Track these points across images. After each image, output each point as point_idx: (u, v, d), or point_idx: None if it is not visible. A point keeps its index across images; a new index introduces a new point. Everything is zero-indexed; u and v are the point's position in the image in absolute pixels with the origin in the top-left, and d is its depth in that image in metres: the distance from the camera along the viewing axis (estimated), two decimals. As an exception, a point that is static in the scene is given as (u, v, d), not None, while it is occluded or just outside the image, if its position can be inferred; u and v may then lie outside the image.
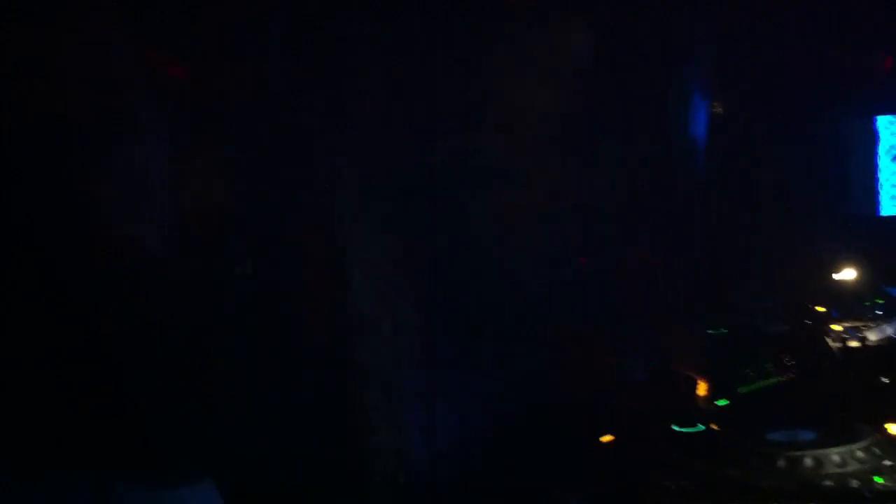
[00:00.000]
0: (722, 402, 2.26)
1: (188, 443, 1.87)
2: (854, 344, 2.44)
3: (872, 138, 3.78)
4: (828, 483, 1.81)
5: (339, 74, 2.18)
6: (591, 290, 2.60)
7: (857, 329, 2.55)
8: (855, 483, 1.79)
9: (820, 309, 2.78)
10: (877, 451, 1.90)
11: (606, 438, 2.23)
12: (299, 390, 2.14)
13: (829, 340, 2.46)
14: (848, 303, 2.88)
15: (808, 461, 1.87)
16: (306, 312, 2.18)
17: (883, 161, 3.79)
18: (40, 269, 1.68)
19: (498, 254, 2.46)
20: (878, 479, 1.79)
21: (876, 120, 3.75)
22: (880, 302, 2.85)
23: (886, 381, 2.28)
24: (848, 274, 3.08)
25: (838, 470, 1.85)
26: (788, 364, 2.41)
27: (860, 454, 1.88)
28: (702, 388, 2.29)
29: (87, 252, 1.73)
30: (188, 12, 1.95)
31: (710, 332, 2.63)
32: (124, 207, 1.81)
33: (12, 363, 1.61)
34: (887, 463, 1.84)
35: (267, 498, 2.04)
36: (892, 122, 3.76)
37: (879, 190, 3.76)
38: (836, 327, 2.60)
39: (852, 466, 1.86)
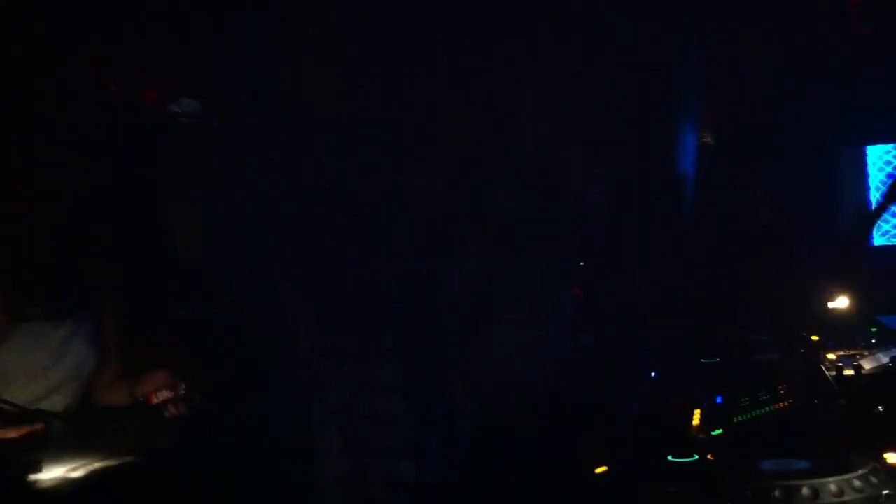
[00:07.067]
0: (717, 432, 2.23)
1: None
2: (849, 373, 2.42)
3: (863, 169, 3.80)
4: (825, 513, 1.78)
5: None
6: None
7: (851, 358, 2.54)
8: (853, 513, 1.76)
9: (815, 338, 2.76)
10: (874, 480, 1.87)
11: (601, 469, 2.20)
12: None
13: (824, 369, 2.44)
14: (842, 332, 2.86)
15: (805, 491, 1.84)
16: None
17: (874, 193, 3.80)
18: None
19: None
20: (877, 509, 1.76)
21: (866, 150, 3.78)
22: (874, 331, 2.84)
23: (882, 409, 2.25)
24: (842, 303, 3.07)
25: (835, 500, 1.81)
26: (783, 393, 2.39)
27: (858, 483, 1.85)
28: (696, 418, 2.27)
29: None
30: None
31: (703, 361, 2.61)
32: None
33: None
34: (886, 492, 1.81)
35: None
36: (886, 153, 3.77)
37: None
38: (831, 356, 2.59)
39: (850, 496, 1.82)
